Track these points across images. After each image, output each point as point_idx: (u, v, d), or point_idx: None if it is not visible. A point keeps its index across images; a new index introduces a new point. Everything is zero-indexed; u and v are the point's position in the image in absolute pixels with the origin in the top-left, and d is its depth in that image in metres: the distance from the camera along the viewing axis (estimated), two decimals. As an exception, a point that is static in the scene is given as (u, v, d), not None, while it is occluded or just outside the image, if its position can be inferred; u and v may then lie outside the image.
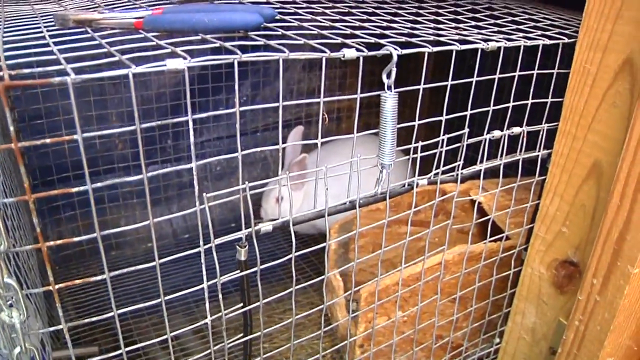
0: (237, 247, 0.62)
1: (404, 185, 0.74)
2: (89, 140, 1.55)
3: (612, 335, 0.77)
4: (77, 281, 0.56)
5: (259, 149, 0.62)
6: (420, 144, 0.72)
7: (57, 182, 1.56)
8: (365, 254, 1.43)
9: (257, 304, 0.66)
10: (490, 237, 0.99)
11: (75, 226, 1.63)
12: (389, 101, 0.65)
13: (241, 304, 0.66)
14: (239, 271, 0.64)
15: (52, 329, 0.57)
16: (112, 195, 1.64)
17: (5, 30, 0.69)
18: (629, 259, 0.72)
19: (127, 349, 0.62)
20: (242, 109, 0.57)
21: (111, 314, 0.59)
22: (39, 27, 0.70)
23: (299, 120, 1.80)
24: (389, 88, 0.64)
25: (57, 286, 0.54)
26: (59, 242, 0.54)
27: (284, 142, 1.50)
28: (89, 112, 1.52)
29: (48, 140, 0.49)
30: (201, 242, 0.60)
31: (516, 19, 0.96)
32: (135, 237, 1.70)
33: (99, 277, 0.57)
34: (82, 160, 0.50)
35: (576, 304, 0.81)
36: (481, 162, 0.82)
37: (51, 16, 0.75)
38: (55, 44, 0.61)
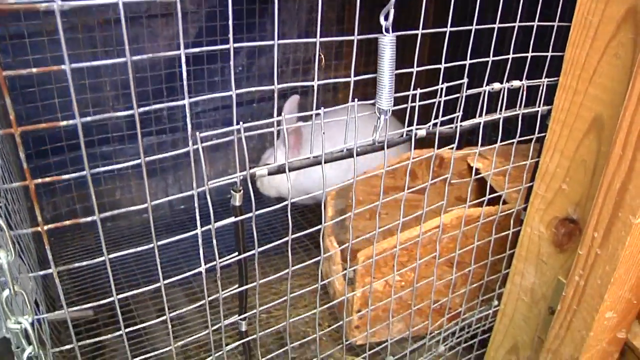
0: (232, 191, 0.60)
1: (402, 135, 0.72)
2: (83, 109, 1.53)
3: (612, 288, 0.76)
4: (67, 222, 0.54)
5: (254, 88, 0.61)
6: (419, 91, 0.70)
7: (50, 152, 1.54)
8: (363, 221, 1.42)
9: (252, 252, 0.65)
10: (488, 202, 0.97)
11: (70, 197, 1.62)
12: (387, 44, 0.63)
13: (236, 253, 0.64)
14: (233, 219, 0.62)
15: (41, 272, 0.56)
16: (106, 165, 1.62)
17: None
18: (631, 208, 0.70)
19: (119, 296, 0.60)
20: (236, 45, 0.55)
21: (102, 258, 0.57)
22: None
23: (294, 91, 1.78)
24: (387, 30, 0.63)
25: (45, 227, 0.53)
26: (47, 179, 0.52)
27: (279, 112, 1.48)
28: (81, 81, 1.50)
29: (34, 70, 0.47)
30: (194, 185, 0.58)
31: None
32: (131, 206, 1.69)
33: (89, 219, 0.55)
34: (71, 94, 0.48)
35: (576, 259, 0.80)
36: (480, 115, 0.81)
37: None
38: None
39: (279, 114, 0.62)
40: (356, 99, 0.65)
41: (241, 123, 0.58)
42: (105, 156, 1.63)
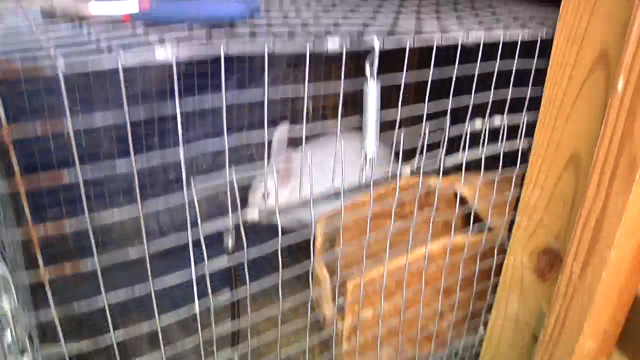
0: (224, 235, 0.63)
1: (387, 174, 0.76)
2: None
3: (590, 320, 0.79)
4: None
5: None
6: (403, 129, 0.74)
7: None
8: (351, 248, 1.45)
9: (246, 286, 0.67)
10: (473, 229, 1.01)
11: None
12: (372, 90, 0.66)
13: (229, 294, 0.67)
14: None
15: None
16: (98, 191, 1.64)
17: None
18: (606, 244, 0.74)
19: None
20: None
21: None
22: (28, 22, 0.71)
23: (284, 116, 1.81)
24: (372, 77, 0.66)
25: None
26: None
27: (270, 141, 1.50)
28: (75, 107, 1.52)
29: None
30: (188, 224, 0.61)
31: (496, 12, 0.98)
32: (122, 233, 1.70)
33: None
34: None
35: (557, 289, 0.83)
36: (463, 151, 0.84)
37: (39, 11, 0.76)
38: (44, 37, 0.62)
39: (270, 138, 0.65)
40: (340, 123, 0.67)
41: (233, 167, 0.60)
42: (96, 183, 1.64)
